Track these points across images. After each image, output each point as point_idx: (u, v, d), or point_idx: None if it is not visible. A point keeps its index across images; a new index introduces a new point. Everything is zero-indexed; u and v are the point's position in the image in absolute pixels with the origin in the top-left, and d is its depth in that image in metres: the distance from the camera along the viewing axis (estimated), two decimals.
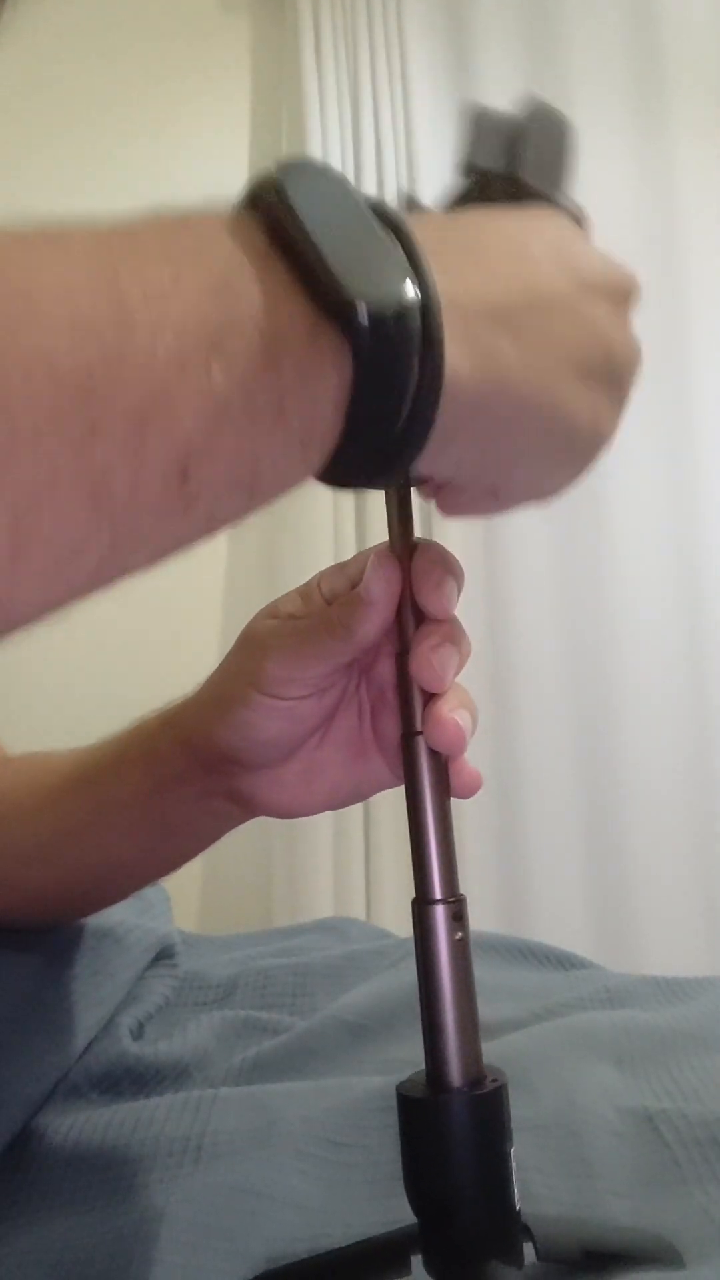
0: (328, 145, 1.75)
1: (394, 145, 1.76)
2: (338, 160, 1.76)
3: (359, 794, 0.44)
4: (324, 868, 1.52)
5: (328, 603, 0.41)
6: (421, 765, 0.35)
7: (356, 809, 1.57)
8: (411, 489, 0.39)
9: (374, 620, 0.37)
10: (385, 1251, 0.34)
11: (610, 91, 1.79)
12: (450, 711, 0.35)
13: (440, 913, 0.33)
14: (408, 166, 1.75)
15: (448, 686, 0.35)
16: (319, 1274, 0.35)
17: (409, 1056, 0.58)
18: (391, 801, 1.66)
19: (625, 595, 1.69)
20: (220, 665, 0.44)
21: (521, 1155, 0.44)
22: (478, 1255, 0.31)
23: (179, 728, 0.45)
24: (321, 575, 0.42)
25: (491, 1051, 0.57)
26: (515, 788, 1.64)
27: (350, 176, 1.77)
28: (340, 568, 0.42)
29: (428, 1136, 0.32)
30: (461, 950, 0.33)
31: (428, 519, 1.67)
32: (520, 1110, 0.48)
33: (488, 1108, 0.32)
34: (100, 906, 0.58)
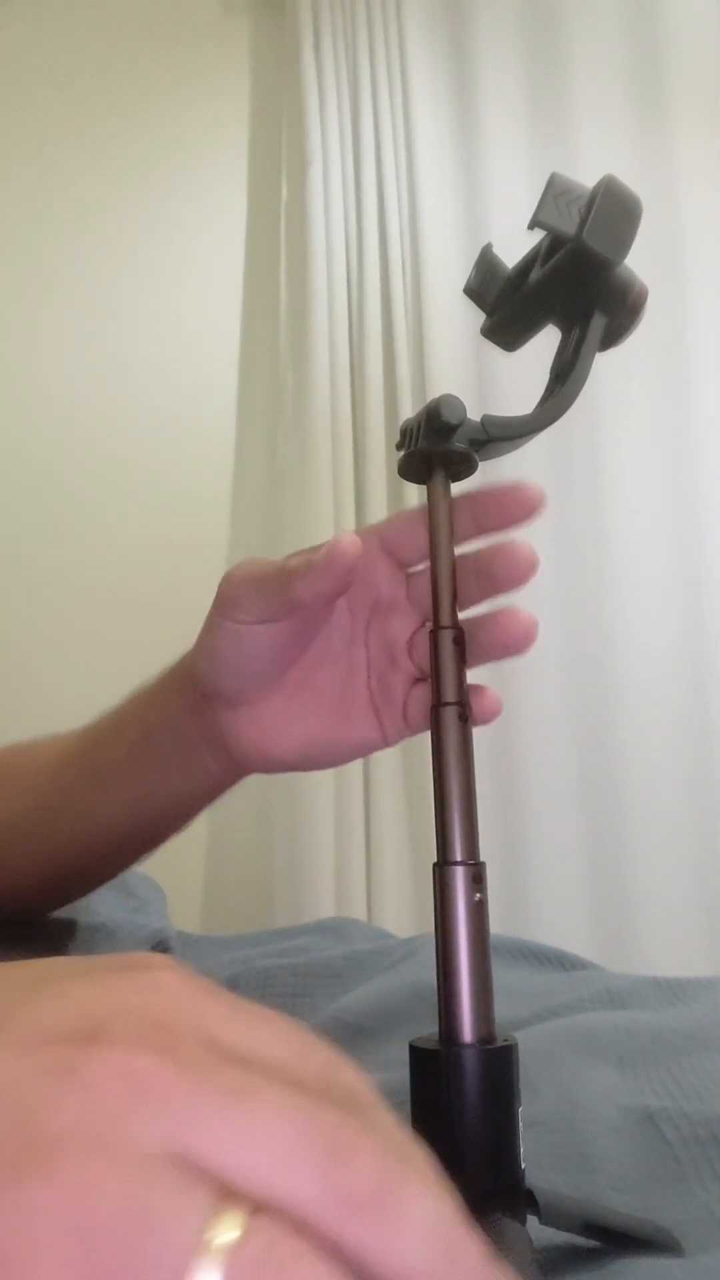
0: (327, 146, 1.75)
1: (393, 146, 1.76)
2: (337, 162, 1.76)
3: (336, 748, 0.45)
4: (325, 868, 1.52)
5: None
6: (449, 735, 0.37)
7: (358, 810, 1.57)
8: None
9: (318, 585, 0.38)
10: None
11: (610, 90, 1.79)
12: (516, 612, 0.40)
13: (460, 874, 0.35)
14: (407, 167, 1.75)
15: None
16: None
17: (408, 1056, 0.58)
18: (392, 802, 1.66)
19: (626, 599, 1.69)
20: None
21: (522, 1154, 0.44)
22: (484, 1208, 0.31)
23: (172, 673, 0.48)
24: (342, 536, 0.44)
25: None
26: (516, 788, 1.64)
27: (349, 178, 1.78)
28: (370, 530, 0.45)
29: (438, 1088, 0.33)
30: (479, 912, 0.35)
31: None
32: (522, 1108, 0.49)
33: (498, 1063, 0.33)
34: (88, 887, 0.58)
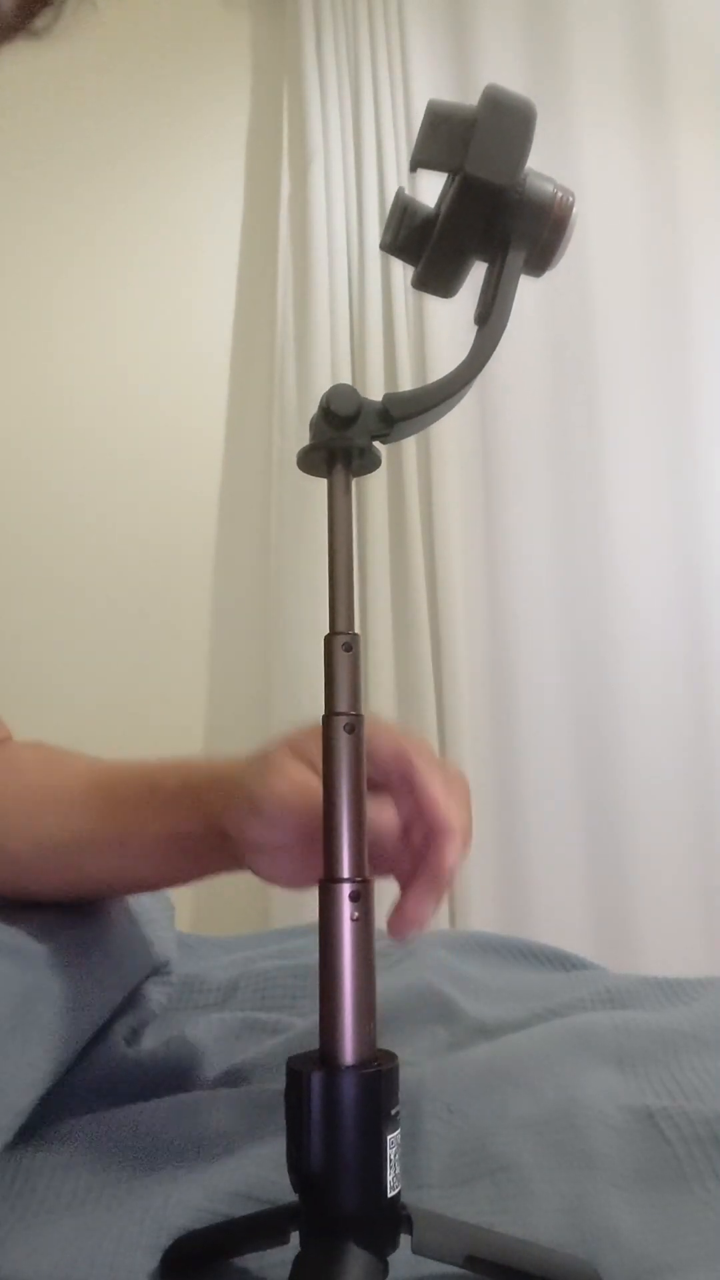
0: (328, 142, 1.75)
1: (394, 141, 1.76)
2: (338, 157, 1.76)
3: None
4: None
5: None
6: (339, 747, 0.35)
7: None
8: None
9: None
10: (270, 1223, 0.34)
11: (611, 89, 1.79)
12: (417, 903, 0.43)
13: (342, 892, 0.34)
14: (409, 162, 1.75)
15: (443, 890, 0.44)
16: (213, 1241, 0.36)
17: (408, 1055, 0.58)
18: None
19: (625, 596, 1.69)
20: (246, 766, 0.49)
21: (522, 1152, 0.44)
22: (343, 1234, 0.31)
23: (198, 799, 0.50)
24: None
25: (492, 1051, 0.57)
26: (516, 788, 1.64)
27: (351, 173, 1.78)
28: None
29: (305, 1109, 0.32)
30: (362, 931, 0.34)
31: (428, 519, 1.67)
32: (521, 1108, 0.48)
33: (365, 1088, 0.32)
34: (90, 898, 0.60)
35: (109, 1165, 0.43)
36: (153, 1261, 0.35)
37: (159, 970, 0.67)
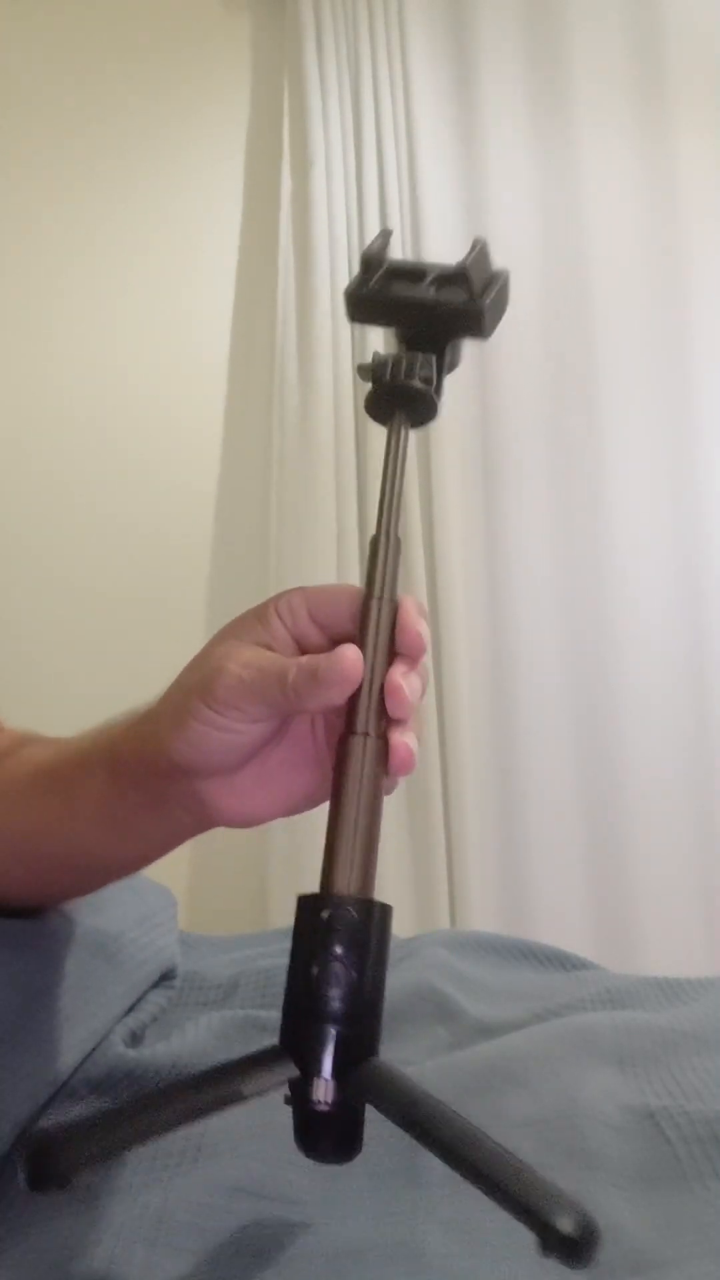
0: (329, 143, 1.75)
1: (395, 142, 1.76)
2: (339, 158, 1.76)
3: (314, 800, 0.45)
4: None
5: (287, 630, 0.42)
6: (376, 625, 0.40)
7: None
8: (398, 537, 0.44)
9: (327, 699, 0.39)
10: (260, 1063, 0.34)
11: (611, 89, 1.79)
12: (403, 735, 0.39)
13: (363, 743, 0.38)
14: (409, 163, 1.75)
15: (410, 715, 0.39)
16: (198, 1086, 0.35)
17: (408, 1055, 0.58)
18: (393, 799, 1.66)
19: (626, 594, 1.69)
20: (178, 678, 0.44)
21: (522, 1152, 0.44)
22: (360, 1053, 0.33)
23: (138, 737, 0.45)
24: (282, 600, 0.43)
25: (492, 1051, 0.57)
26: (516, 788, 1.64)
27: (351, 173, 1.78)
28: (302, 594, 0.43)
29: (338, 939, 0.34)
30: (377, 781, 0.38)
31: (428, 519, 1.68)
32: (522, 1108, 0.48)
33: (384, 916, 0.35)
34: (76, 895, 0.58)
35: (109, 1164, 0.43)
36: (153, 1256, 0.35)
37: (166, 976, 0.67)
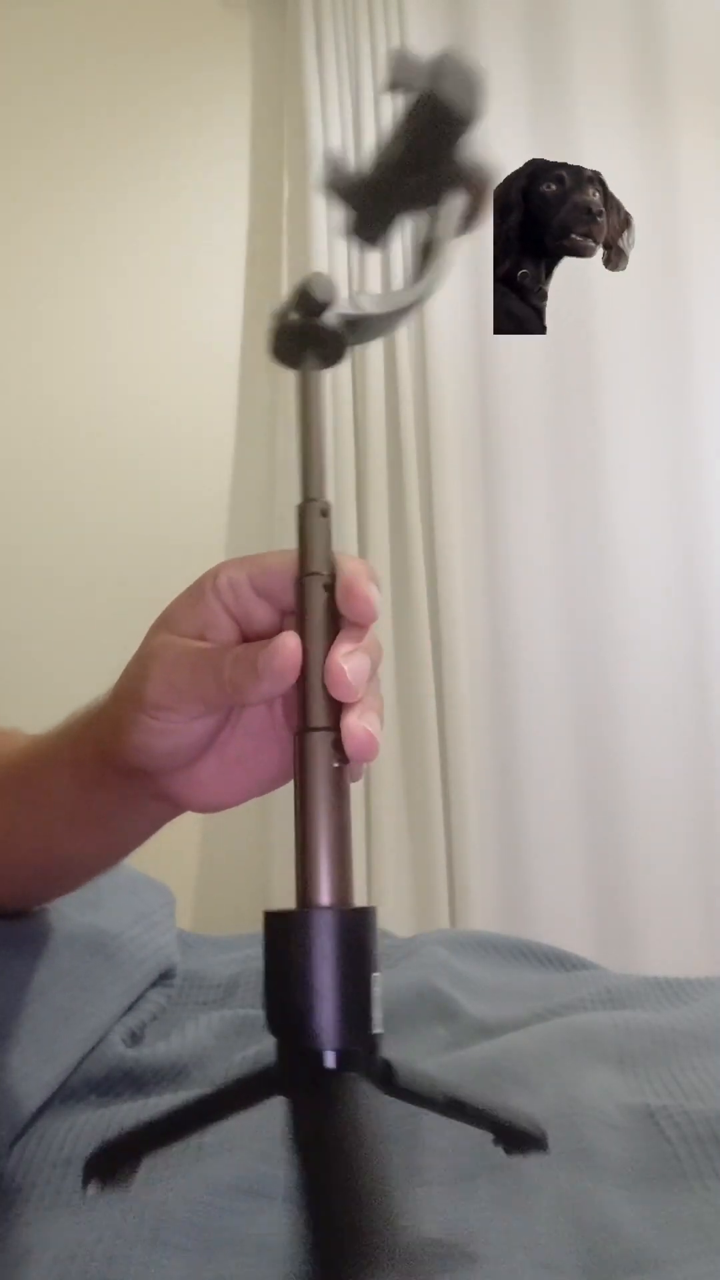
0: (329, 142, 1.75)
1: None
2: None
3: (281, 779, 0.43)
4: None
5: (227, 610, 0.39)
6: (315, 608, 0.36)
7: (358, 807, 1.57)
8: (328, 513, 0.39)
9: (269, 692, 0.36)
10: (250, 1088, 0.34)
11: (612, 89, 1.79)
12: (359, 719, 0.34)
13: (320, 740, 0.34)
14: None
15: (360, 696, 0.35)
16: (188, 1119, 0.35)
17: (407, 1055, 0.58)
18: (392, 799, 1.65)
19: (626, 594, 1.69)
20: (120, 677, 0.42)
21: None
22: (337, 1068, 0.31)
23: (94, 740, 0.44)
24: (220, 575, 0.39)
25: (492, 1051, 0.57)
26: (516, 788, 1.64)
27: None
28: (241, 565, 0.40)
29: (293, 949, 0.32)
30: (340, 777, 0.34)
31: (429, 519, 1.67)
32: (522, 1107, 0.48)
33: (353, 925, 0.33)
34: (57, 894, 0.57)
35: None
36: (153, 1256, 0.35)
37: (166, 976, 0.67)
